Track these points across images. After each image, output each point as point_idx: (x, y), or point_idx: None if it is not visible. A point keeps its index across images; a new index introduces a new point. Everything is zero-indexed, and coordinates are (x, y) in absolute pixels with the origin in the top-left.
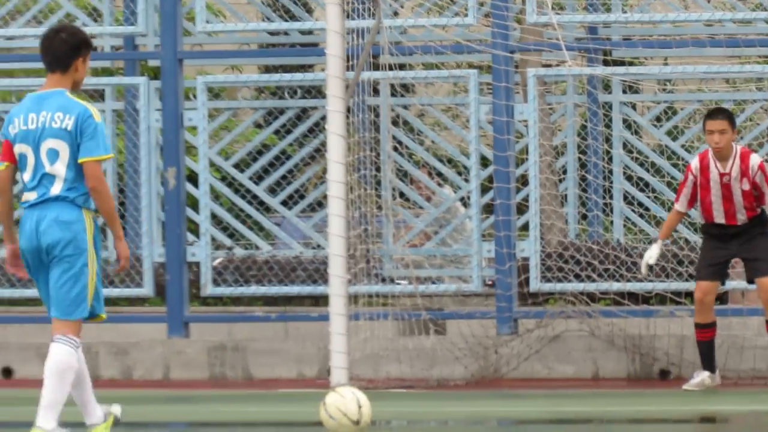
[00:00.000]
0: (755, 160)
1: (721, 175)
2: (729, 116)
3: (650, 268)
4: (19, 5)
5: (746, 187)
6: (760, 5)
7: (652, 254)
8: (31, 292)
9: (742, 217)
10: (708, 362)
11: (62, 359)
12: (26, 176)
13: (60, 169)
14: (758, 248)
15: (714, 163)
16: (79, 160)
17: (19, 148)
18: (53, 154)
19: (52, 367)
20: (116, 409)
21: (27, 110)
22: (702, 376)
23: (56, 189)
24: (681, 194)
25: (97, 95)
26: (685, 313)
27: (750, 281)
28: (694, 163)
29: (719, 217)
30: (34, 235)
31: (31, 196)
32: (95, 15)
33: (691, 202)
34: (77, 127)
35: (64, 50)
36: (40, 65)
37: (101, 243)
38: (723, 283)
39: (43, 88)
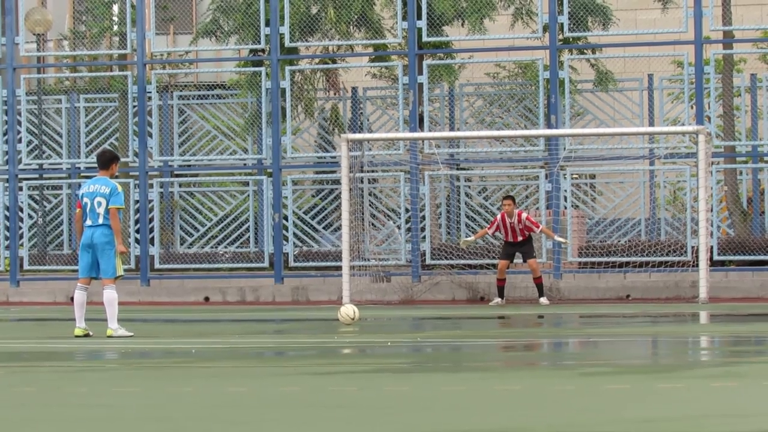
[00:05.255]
0: (523, 215)
1: (511, 222)
2: (512, 198)
3: (467, 245)
4: None
5: (521, 226)
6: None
7: (468, 239)
8: None
9: (520, 238)
10: (500, 294)
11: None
12: (87, 213)
13: (101, 210)
14: (527, 247)
15: (507, 216)
16: (109, 207)
17: (84, 201)
18: (99, 204)
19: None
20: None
21: (90, 183)
22: (497, 300)
23: (100, 220)
24: (492, 225)
25: None
26: (489, 272)
27: (524, 261)
28: (500, 216)
29: (510, 238)
30: (90, 238)
31: (89, 222)
32: None
33: (496, 229)
34: (111, 193)
35: (104, 161)
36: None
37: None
38: (512, 261)
39: (97, 176)
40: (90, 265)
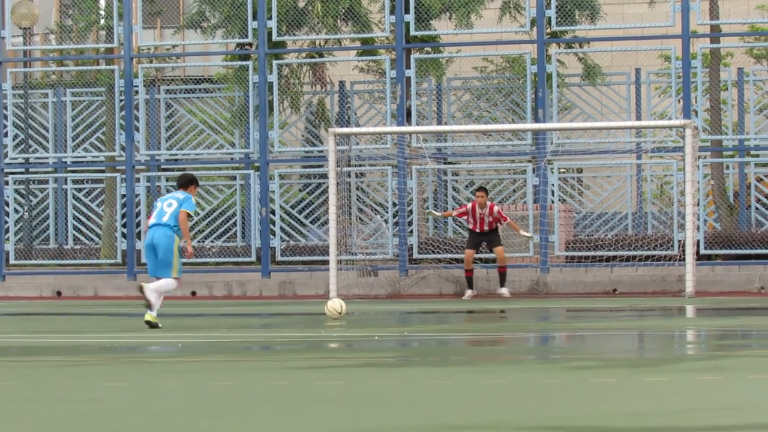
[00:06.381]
0: (495, 208)
1: (481, 213)
2: (485, 190)
3: (430, 215)
4: None
5: (490, 218)
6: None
7: (434, 212)
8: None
9: (487, 228)
10: (470, 285)
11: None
12: (154, 213)
13: (170, 210)
14: (494, 236)
15: (479, 207)
16: (180, 209)
17: (156, 204)
18: (169, 205)
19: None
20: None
21: (165, 198)
22: (468, 292)
23: (164, 218)
24: (459, 210)
25: None
26: (476, 266)
27: (491, 250)
28: (471, 205)
29: (477, 227)
30: (151, 238)
31: (153, 221)
32: None
33: (462, 215)
34: (184, 199)
35: (183, 182)
36: None
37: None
38: (478, 251)
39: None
40: (156, 265)
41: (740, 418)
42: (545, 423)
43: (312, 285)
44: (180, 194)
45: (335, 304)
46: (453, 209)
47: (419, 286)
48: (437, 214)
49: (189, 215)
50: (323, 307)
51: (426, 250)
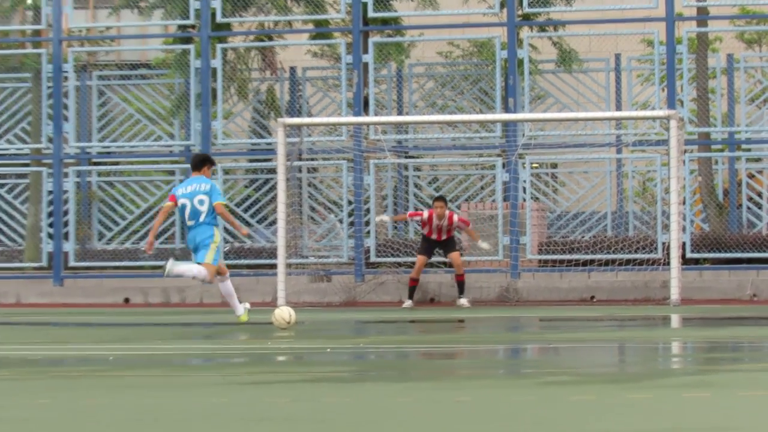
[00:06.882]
0: (454, 217)
1: (439, 223)
2: (444, 199)
3: (381, 223)
4: None
5: (447, 228)
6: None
7: (384, 218)
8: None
9: (444, 237)
10: (411, 295)
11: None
12: (187, 214)
13: (204, 208)
14: (449, 242)
15: (437, 218)
16: (213, 204)
17: (181, 201)
18: (201, 203)
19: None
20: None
21: (186, 184)
22: (408, 302)
23: (201, 218)
24: (415, 216)
25: None
26: (441, 271)
27: (445, 255)
28: (428, 214)
29: (434, 235)
30: (193, 240)
31: (191, 223)
32: None
33: (419, 219)
34: (211, 189)
35: (196, 162)
36: None
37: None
38: (430, 258)
39: (192, 176)
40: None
41: None
42: None
43: (258, 291)
44: (202, 183)
45: (284, 313)
46: (406, 212)
47: (377, 292)
48: (386, 218)
49: (226, 205)
50: (270, 316)
51: (384, 252)
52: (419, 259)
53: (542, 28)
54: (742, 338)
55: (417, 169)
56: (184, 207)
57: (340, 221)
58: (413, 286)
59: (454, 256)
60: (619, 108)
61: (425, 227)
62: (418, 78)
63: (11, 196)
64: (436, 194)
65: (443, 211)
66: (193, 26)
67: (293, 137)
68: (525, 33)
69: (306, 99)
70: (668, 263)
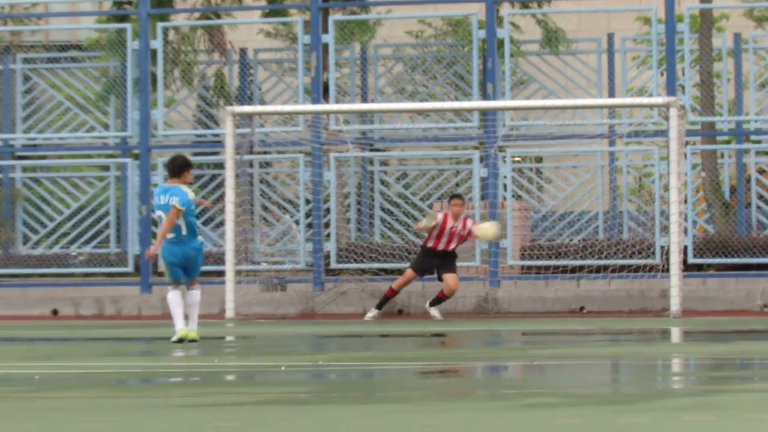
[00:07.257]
0: (468, 222)
1: (453, 227)
2: (462, 198)
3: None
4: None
5: (458, 235)
6: (452, 120)
7: (427, 223)
8: None
9: (452, 246)
10: (380, 305)
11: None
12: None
13: (182, 221)
14: (450, 259)
15: (452, 219)
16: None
17: (158, 213)
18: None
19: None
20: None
21: (160, 193)
22: (374, 312)
23: (184, 231)
24: (436, 219)
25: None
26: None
27: (440, 277)
28: (442, 216)
29: (441, 245)
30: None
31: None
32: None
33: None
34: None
35: (174, 168)
36: None
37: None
38: (422, 276)
39: (167, 183)
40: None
41: None
42: None
43: (204, 302)
44: (173, 196)
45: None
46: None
47: (337, 303)
48: (428, 223)
49: (179, 211)
50: (216, 330)
51: (346, 258)
52: (409, 273)
53: (525, 4)
54: (750, 354)
55: (384, 163)
56: (161, 219)
57: (297, 222)
58: (390, 297)
59: (452, 278)
60: (612, 95)
61: (430, 237)
62: (385, 61)
63: None
64: (453, 193)
65: (460, 210)
66: (129, 2)
67: (244, 128)
68: (506, 10)
69: (258, 85)
70: (667, 270)
